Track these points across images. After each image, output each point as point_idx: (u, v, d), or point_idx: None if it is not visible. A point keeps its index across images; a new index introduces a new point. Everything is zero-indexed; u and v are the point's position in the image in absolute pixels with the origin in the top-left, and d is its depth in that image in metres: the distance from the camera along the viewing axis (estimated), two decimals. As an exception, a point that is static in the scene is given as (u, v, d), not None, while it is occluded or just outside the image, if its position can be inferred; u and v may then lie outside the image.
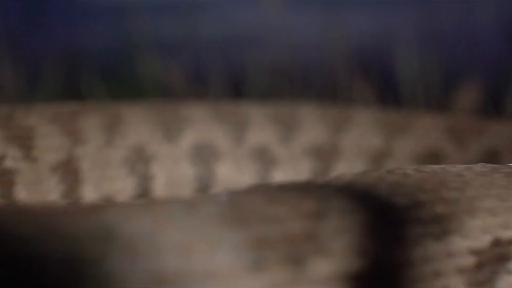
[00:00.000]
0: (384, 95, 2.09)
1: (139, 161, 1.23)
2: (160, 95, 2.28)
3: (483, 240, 0.59)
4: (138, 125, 1.24)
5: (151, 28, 2.44)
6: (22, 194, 1.05)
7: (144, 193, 1.24)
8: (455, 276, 0.57)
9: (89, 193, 1.17)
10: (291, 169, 1.27)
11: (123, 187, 1.22)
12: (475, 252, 0.59)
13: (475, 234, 0.59)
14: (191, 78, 2.29)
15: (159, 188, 1.25)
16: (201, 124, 1.29)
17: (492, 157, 1.22)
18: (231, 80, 2.30)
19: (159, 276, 0.48)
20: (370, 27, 2.61)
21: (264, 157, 1.28)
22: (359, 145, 1.28)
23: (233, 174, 1.27)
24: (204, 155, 1.28)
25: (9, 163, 1.05)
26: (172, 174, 1.26)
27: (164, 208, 0.51)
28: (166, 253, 0.48)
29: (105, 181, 1.19)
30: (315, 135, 1.29)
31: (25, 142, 1.09)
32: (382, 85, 2.14)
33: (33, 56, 2.51)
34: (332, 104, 1.84)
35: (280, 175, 1.28)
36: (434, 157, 1.25)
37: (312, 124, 1.30)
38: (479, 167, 0.65)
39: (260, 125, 1.31)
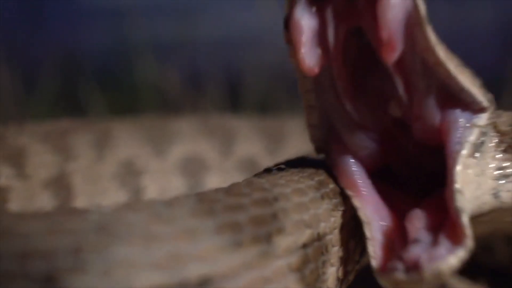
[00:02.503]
0: None
1: (130, 174, 1.31)
2: (156, 99, 2.34)
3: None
4: (128, 140, 1.32)
5: (148, 30, 2.49)
6: (16, 209, 1.13)
7: (136, 206, 1.32)
8: None
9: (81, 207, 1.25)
10: (278, 180, 1.35)
11: (115, 200, 1.30)
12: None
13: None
14: (188, 81, 2.34)
15: (151, 200, 1.33)
16: (190, 138, 1.37)
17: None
18: (228, 82, 2.35)
19: (157, 260, 0.59)
20: None
21: (251, 169, 1.35)
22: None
23: (222, 185, 1.34)
24: (193, 168, 1.36)
25: (2, 181, 1.13)
26: (163, 186, 1.34)
27: (149, 206, 0.62)
28: (159, 241, 0.59)
29: (97, 194, 1.27)
30: (301, 147, 1.37)
31: (17, 161, 1.16)
32: None
33: (30, 59, 2.58)
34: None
35: (268, 186, 1.35)
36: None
37: (298, 136, 1.37)
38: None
39: (247, 137, 1.39)
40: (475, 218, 0.78)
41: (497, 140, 0.79)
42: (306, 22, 0.70)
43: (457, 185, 0.72)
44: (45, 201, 1.18)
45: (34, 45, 2.81)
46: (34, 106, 2.27)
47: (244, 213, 0.65)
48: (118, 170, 1.30)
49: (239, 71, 2.44)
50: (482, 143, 0.76)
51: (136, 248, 0.58)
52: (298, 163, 0.80)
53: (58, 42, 2.81)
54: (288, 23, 0.70)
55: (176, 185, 1.35)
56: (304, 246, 0.69)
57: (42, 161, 1.20)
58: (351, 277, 0.79)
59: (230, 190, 0.68)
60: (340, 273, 0.75)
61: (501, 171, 0.79)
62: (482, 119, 0.76)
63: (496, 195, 0.79)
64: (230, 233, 0.63)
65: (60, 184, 1.21)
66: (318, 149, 0.80)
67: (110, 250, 0.58)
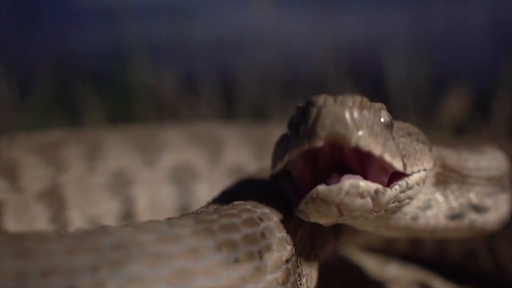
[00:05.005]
0: (373, 99, 2.19)
1: (121, 185, 1.39)
2: (151, 100, 2.39)
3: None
4: (118, 150, 1.40)
5: (142, 31, 2.52)
6: (11, 222, 1.20)
7: (128, 215, 1.40)
8: None
9: (75, 218, 1.32)
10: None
11: (107, 210, 1.37)
12: None
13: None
14: (183, 81, 2.39)
15: (142, 209, 1.41)
16: (179, 147, 1.44)
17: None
18: (223, 84, 2.40)
19: (167, 276, 0.69)
20: (361, 29, 2.71)
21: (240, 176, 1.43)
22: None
23: (212, 193, 1.42)
24: (182, 177, 1.44)
25: (-3, 194, 1.20)
26: (153, 196, 1.42)
27: (156, 227, 0.72)
28: (168, 259, 0.69)
29: (90, 205, 1.35)
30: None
31: (10, 174, 1.23)
32: (372, 89, 2.25)
33: (24, 62, 2.63)
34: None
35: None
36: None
37: None
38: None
39: (235, 146, 1.46)
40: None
41: (432, 176, 0.94)
42: (306, 172, 0.83)
43: (410, 181, 0.85)
44: (38, 213, 1.25)
45: (28, 48, 2.85)
46: (30, 110, 2.33)
47: (238, 233, 0.76)
48: (109, 180, 1.38)
49: (234, 72, 2.49)
50: (423, 181, 0.90)
51: (148, 265, 0.68)
52: (252, 185, 0.93)
53: (52, 44, 2.86)
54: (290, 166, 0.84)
55: (166, 194, 1.43)
56: (287, 261, 0.80)
57: (34, 174, 1.27)
58: (313, 284, 0.90)
59: (219, 211, 0.79)
60: (309, 282, 0.87)
61: (426, 202, 0.95)
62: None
63: (414, 219, 0.93)
64: (228, 251, 0.73)
65: (53, 196, 1.28)
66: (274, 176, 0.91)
67: (125, 268, 0.67)
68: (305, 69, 2.61)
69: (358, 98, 0.79)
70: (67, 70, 2.59)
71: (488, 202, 1.00)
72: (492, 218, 1.01)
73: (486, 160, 1.01)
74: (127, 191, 1.40)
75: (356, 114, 0.78)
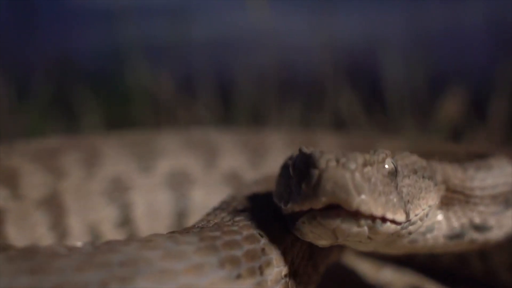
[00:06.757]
0: (371, 101, 2.23)
1: (118, 191, 1.44)
2: (149, 102, 2.43)
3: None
4: (115, 157, 1.44)
5: (140, 33, 2.55)
6: (12, 230, 1.23)
7: (125, 220, 1.45)
8: None
9: (74, 224, 1.36)
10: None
11: (105, 216, 1.42)
12: None
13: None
14: (180, 83, 2.43)
15: (140, 214, 1.46)
16: (174, 153, 1.49)
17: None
18: (220, 85, 2.44)
19: None
20: (359, 30, 2.74)
21: (235, 182, 1.48)
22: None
23: (208, 198, 1.47)
24: (178, 182, 1.49)
25: (-1, 202, 1.23)
26: (150, 201, 1.47)
27: (161, 243, 0.76)
28: (174, 275, 0.74)
29: (88, 211, 1.39)
30: (283, 160, 1.49)
31: (11, 181, 1.27)
32: (369, 90, 2.28)
33: (23, 64, 2.67)
34: (300, 130, 1.99)
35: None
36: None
37: (280, 149, 1.49)
38: None
39: (230, 151, 1.51)
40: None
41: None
42: None
43: (413, 218, 0.88)
44: (38, 221, 1.28)
45: (26, 49, 2.87)
46: (28, 112, 2.36)
47: (240, 249, 0.80)
48: (107, 187, 1.42)
49: (232, 74, 2.52)
50: (426, 215, 0.92)
51: (155, 281, 0.72)
52: (252, 199, 0.97)
53: (50, 46, 2.88)
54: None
55: (163, 200, 1.47)
56: (285, 276, 0.85)
57: (34, 181, 1.31)
58: None
59: (221, 228, 0.83)
60: None
61: (428, 227, 0.97)
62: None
63: (413, 242, 0.96)
64: (231, 267, 0.78)
65: (53, 203, 1.32)
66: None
67: (133, 283, 0.71)
68: (303, 70, 2.65)
69: (360, 159, 0.80)
70: (65, 72, 2.62)
71: (491, 221, 1.00)
72: (494, 236, 1.01)
73: (493, 177, 1.00)
74: (125, 197, 1.44)
75: (358, 177, 0.79)
